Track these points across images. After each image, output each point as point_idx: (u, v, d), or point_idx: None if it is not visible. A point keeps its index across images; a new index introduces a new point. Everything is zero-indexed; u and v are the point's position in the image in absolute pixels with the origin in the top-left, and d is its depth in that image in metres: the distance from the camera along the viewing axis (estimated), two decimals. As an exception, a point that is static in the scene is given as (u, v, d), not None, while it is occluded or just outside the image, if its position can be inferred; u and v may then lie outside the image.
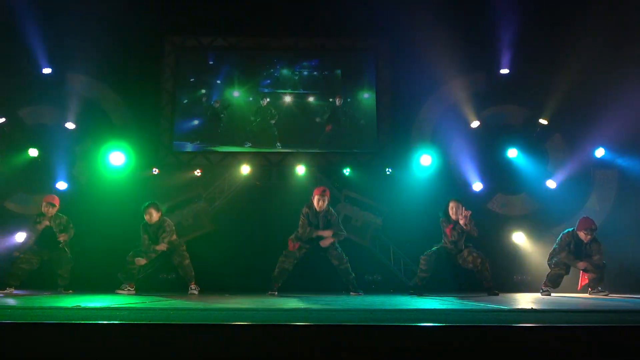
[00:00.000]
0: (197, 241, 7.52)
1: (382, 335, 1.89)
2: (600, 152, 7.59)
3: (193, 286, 6.24)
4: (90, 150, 7.93)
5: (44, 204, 6.46)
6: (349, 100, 8.45)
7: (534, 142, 7.91)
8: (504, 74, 8.13)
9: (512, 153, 7.82)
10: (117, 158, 7.65)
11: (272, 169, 8.20)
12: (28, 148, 7.76)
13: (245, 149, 8.21)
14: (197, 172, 7.91)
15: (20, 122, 8.06)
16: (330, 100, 8.43)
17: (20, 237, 7.14)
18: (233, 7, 8.16)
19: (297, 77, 8.56)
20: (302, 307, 3.05)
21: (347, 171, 8.01)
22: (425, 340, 1.86)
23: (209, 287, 6.56)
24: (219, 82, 8.49)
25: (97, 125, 8.01)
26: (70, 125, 7.95)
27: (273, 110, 8.39)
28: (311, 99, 8.47)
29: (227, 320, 2.05)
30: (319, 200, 6.22)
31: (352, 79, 8.53)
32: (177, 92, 8.43)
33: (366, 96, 8.47)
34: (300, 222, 6.23)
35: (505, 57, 8.00)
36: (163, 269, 7.31)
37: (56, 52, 7.94)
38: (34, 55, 7.85)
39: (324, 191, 6.26)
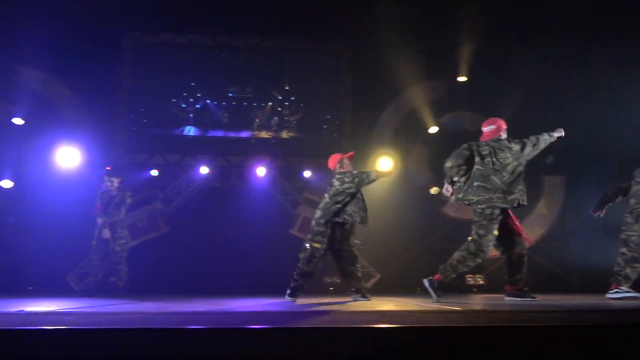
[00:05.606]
0: (152, 243, 7.34)
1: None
2: (549, 159, 7.93)
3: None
4: (40, 148, 7.58)
5: None
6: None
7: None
8: (461, 82, 8.37)
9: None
10: (70, 157, 7.34)
11: (232, 170, 8.12)
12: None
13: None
14: (154, 172, 7.72)
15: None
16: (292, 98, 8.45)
17: None
18: (196, 5, 8.00)
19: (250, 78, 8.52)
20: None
21: (307, 173, 8.03)
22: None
23: (163, 290, 6.41)
24: (193, 84, 8.33)
25: (49, 122, 7.67)
26: (18, 121, 7.57)
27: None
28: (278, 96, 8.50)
29: (184, 325, 2.01)
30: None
31: (314, 82, 8.56)
32: (136, 91, 8.20)
33: (328, 98, 8.55)
34: None
35: (463, 66, 8.24)
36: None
37: (3, 40, 7.51)
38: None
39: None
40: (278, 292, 5.32)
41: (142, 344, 1.83)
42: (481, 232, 4.09)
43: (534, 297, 4.15)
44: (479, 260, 4.12)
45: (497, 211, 4.09)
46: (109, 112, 8.04)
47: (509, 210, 4.22)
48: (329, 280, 7.47)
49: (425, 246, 8.01)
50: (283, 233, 7.60)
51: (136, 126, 8.17)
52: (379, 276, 7.56)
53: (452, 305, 3.57)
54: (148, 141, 8.13)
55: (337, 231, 4.73)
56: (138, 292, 6.20)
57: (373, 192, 7.90)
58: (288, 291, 4.56)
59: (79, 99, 7.87)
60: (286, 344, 1.79)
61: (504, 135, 4.45)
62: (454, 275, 4.10)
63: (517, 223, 4.27)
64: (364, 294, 4.77)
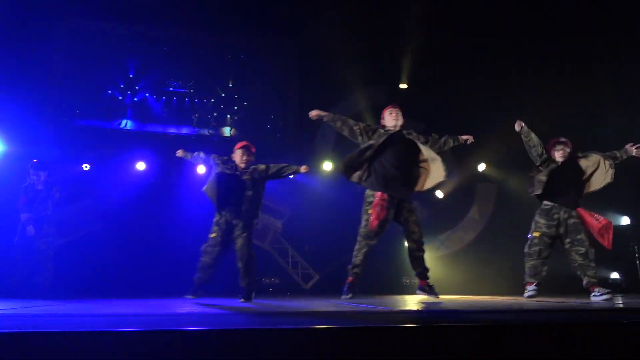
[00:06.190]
0: (81, 241, 6.99)
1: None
2: (482, 167, 8.35)
3: None
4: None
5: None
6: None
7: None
8: (403, 89, 8.61)
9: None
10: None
11: (171, 167, 7.87)
12: None
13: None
14: (86, 167, 7.33)
15: None
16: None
17: None
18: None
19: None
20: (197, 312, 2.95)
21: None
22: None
23: (92, 291, 6.10)
24: (131, 76, 7.98)
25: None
26: None
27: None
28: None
29: (113, 327, 1.91)
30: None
31: (259, 81, 8.48)
32: (69, 80, 7.74)
33: (272, 98, 8.51)
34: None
35: (405, 74, 8.49)
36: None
37: None
38: None
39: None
40: (213, 293, 5.23)
41: (67, 348, 1.72)
42: (363, 218, 4.25)
43: (437, 295, 4.24)
44: (371, 243, 4.18)
45: (367, 192, 4.30)
46: (37, 101, 7.51)
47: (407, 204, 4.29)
48: (267, 281, 7.43)
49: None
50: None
51: (67, 117, 7.72)
52: (318, 277, 7.61)
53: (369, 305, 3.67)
54: (80, 133, 7.70)
55: (232, 223, 4.61)
56: (64, 293, 5.85)
57: (314, 193, 7.97)
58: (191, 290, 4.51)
59: (2, 84, 7.30)
60: (220, 345, 1.75)
61: (384, 119, 4.70)
62: (356, 270, 4.20)
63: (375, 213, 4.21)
64: (248, 296, 4.59)
